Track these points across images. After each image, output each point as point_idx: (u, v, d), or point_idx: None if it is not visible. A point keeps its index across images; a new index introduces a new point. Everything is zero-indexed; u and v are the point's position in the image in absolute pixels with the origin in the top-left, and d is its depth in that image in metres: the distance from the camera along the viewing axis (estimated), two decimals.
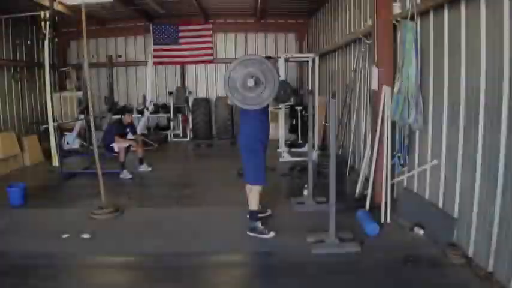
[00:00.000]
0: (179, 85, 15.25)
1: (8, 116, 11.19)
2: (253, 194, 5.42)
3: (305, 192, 6.74)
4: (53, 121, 7.13)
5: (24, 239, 5.42)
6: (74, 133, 11.59)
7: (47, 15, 6.68)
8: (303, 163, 9.16)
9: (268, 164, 5.80)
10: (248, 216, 5.58)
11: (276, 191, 7.51)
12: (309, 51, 14.33)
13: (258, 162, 5.39)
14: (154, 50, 14.52)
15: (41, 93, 12.84)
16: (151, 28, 14.76)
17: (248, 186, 5.52)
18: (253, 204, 5.43)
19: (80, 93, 12.88)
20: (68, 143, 11.51)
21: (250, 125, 5.35)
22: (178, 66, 15.32)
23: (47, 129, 7.44)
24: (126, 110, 9.81)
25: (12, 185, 7.08)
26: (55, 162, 6.64)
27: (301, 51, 15.01)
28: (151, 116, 13.91)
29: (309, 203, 6.53)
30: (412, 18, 5.26)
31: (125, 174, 8.79)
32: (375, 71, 6.13)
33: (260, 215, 5.69)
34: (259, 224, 5.38)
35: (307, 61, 11.35)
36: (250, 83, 4.68)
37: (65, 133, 11.62)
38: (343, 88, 9.57)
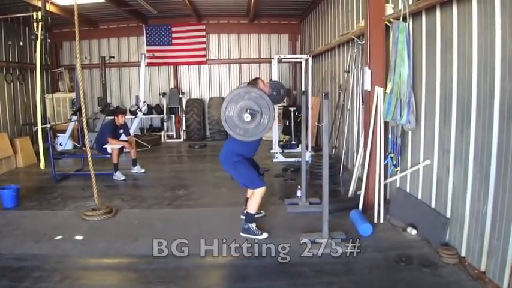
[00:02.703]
0: (172, 86, 15.25)
1: (0, 117, 11.15)
2: (255, 197, 5.38)
3: (298, 193, 6.74)
4: (46, 122, 7.11)
5: (17, 241, 5.39)
6: (67, 134, 11.54)
7: (39, 16, 6.62)
8: (296, 164, 9.19)
9: (261, 165, 5.80)
10: (243, 217, 5.58)
11: (269, 192, 7.47)
12: (302, 52, 14.38)
13: (244, 171, 5.36)
14: (148, 51, 14.52)
15: (33, 94, 12.80)
16: (144, 29, 14.76)
17: (250, 190, 5.53)
18: (253, 207, 5.40)
19: (72, 95, 12.85)
20: (60, 145, 11.47)
21: (235, 142, 5.24)
22: (172, 67, 15.34)
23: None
24: (119, 111, 9.76)
25: (5, 187, 7.05)
26: (43, 165, 6.55)
27: (294, 52, 15.08)
28: (145, 117, 13.89)
29: (302, 203, 6.54)
30: (405, 19, 5.29)
31: (118, 176, 8.77)
32: (367, 71, 6.15)
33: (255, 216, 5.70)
34: (253, 225, 5.37)
35: (301, 62, 11.37)
36: (247, 117, 4.70)
37: (58, 134, 11.57)
38: (336, 89, 9.60)
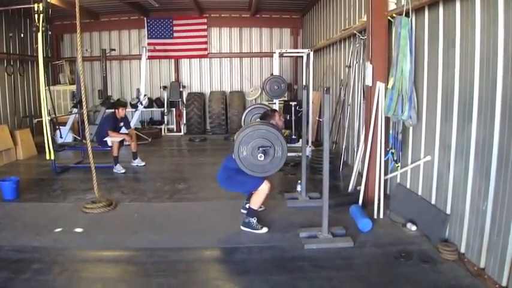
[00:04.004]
0: (173, 79, 15.21)
1: (0, 109, 11.14)
2: (259, 194, 5.35)
3: (298, 188, 6.74)
4: (47, 115, 7.10)
5: (16, 233, 5.40)
6: (67, 127, 11.52)
7: (41, 7, 6.60)
8: (297, 158, 9.18)
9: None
10: (244, 211, 5.59)
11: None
12: (303, 47, 14.33)
13: (241, 178, 5.30)
14: (149, 44, 14.46)
15: (34, 86, 12.80)
16: (145, 22, 14.71)
17: None
18: (256, 203, 5.40)
19: (73, 87, 12.83)
20: (61, 137, 11.45)
21: (234, 162, 5.19)
22: (173, 60, 15.29)
23: (40, 123, 7.39)
24: (120, 104, 9.75)
25: (5, 178, 7.05)
26: (49, 156, 6.57)
27: (295, 47, 15.03)
28: (145, 110, 13.88)
29: (302, 198, 6.55)
30: (407, 15, 5.27)
31: (118, 169, 8.77)
32: (369, 66, 6.13)
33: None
34: (253, 220, 5.37)
35: (302, 56, 11.34)
36: (261, 157, 4.83)
37: (58, 127, 11.55)
38: (337, 84, 9.58)
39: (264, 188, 5.30)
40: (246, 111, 7.76)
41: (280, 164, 5.03)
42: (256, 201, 5.39)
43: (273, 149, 4.89)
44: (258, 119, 6.01)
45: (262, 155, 4.81)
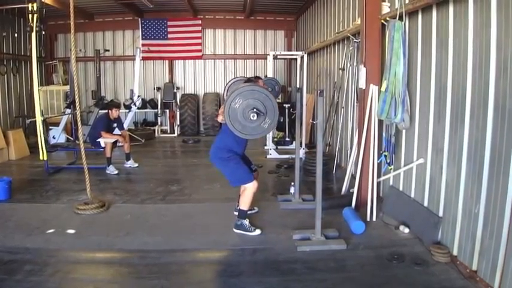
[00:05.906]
0: (167, 81, 15.20)
1: None
2: (246, 194, 5.36)
3: (292, 190, 6.75)
4: (40, 115, 7.08)
5: (8, 234, 5.37)
6: (60, 127, 11.48)
7: (35, 7, 6.58)
8: (290, 160, 9.20)
9: (255, 161, 5.80)
10: (236, 213, 5.57)
11: (263, 188, 7.48)
12: (297, 49, 14.37)
13: (234, 166, 5.34)
14: (143, 45, 14.44)
15: (27, 86, 12.74)
16: (139, 23, 14.69)
17: (243, 186, 5.48)
18: (245, 204, 5.39)
19: (66, 87, 12.79)
20: (54, 138, 11.42)
21: (225, 138, 5.31)
22: (167, 61, 15.28)
23: (33, 123, 7.36)
24: (114, 104, 9.72)
25: None
26: (42, 156, 6.55)
27: (289, 49, 15.07)
28: (139, 112, 13.85)
29: (295, 200, 6.55)
30: (401, 18, 5.29)
31: (111, 170, 8.73)
32: (362, 69, 6.15)
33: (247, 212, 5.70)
34: (246, 222, 5.37)
35: (296, 59, 11.37)
36: (253, 116, 4.61)
37: (51, 127, 11.51)
38: (331, 86, 9.60)
39: (251, 186, 5.31)
40: (229, 83, 7.47)
41: (260, 135, 4.93)
42: (245, 201, 5.38)
43: (264, 118, 4.68)
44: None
45: (255, 115, 4.59)
